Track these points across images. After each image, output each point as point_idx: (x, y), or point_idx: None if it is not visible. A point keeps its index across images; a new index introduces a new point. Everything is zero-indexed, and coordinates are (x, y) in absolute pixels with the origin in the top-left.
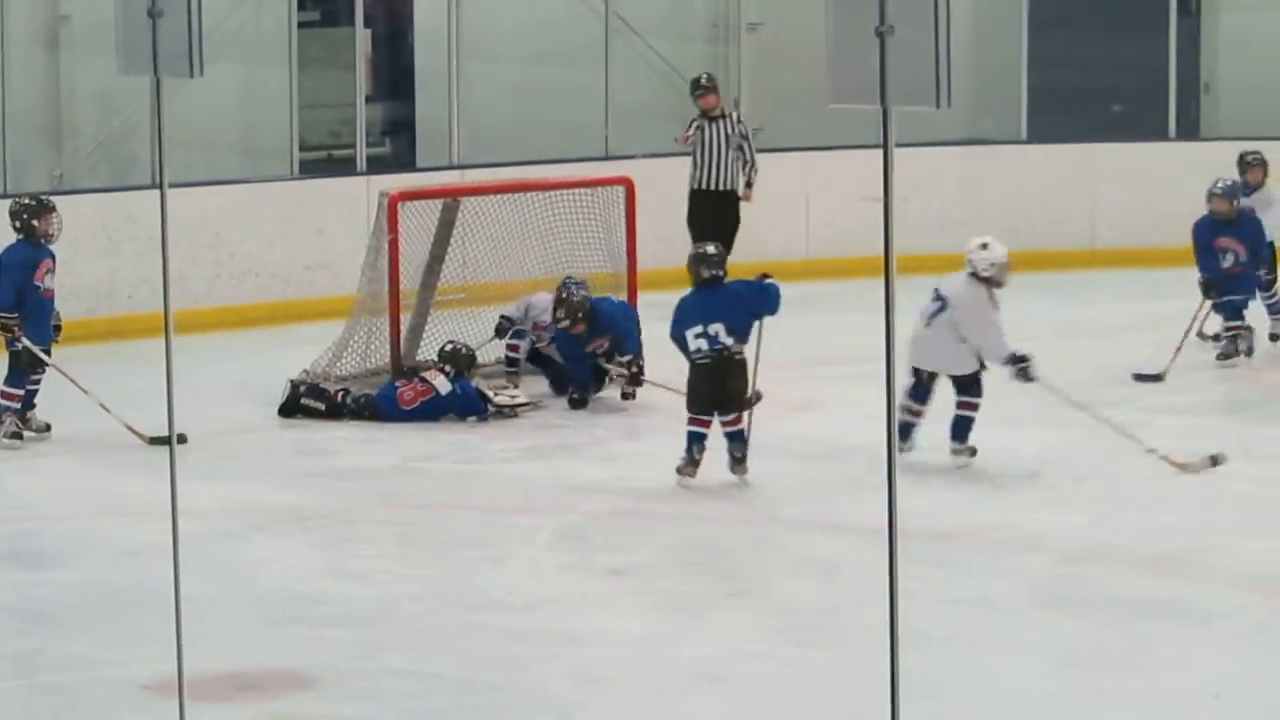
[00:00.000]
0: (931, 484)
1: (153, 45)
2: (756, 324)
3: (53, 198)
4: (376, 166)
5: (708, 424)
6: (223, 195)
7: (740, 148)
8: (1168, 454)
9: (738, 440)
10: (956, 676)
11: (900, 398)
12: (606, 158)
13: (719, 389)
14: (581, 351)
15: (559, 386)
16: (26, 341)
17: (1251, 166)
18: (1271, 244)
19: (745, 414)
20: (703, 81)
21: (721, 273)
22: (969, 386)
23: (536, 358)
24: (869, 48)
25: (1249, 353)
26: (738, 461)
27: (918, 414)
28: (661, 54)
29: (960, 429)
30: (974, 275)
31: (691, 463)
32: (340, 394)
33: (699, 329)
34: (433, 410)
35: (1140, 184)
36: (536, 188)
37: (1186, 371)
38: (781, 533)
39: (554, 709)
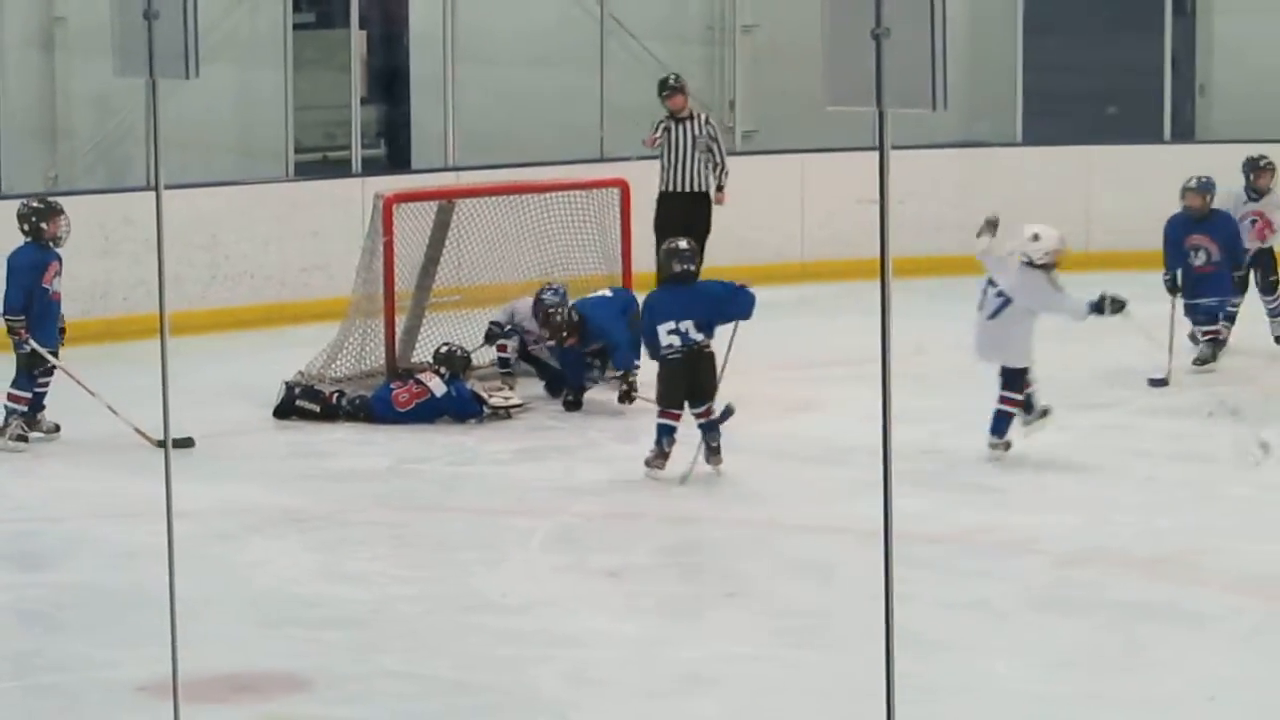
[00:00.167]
0: (927, 486)
1: (148, 47)
2: (729, 327)
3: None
4: (372, 168)
5: (678, 416)
6: (218, 197)
7: (709, 149)
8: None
9: (712, 430)
10: (952, 679)
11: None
12: (601, 160)
13: (690, 382)
14: (581, 354)
15: (554, 389)
16: (35, 344)
17: (1262, 171)
18: (1271, 249)
19: (715, 405)
20: (670, 82)
21: (694, 268)
22: (1014, 381)
23: (528, 357)
24: (865, 50)
25: (1216, 357)
26: (714, 451)
27: (1017, 405)
28: (657, 56)
29: (999, 424)
30: (1030, 264)
31: (661, 454)
32: (335, 396)
33: (671, 325)
34: (428, 412)
35: (1135, 186)
36: (531, 190)
37: (1182, 374)
38: (777, 534)
39: (549, 710)
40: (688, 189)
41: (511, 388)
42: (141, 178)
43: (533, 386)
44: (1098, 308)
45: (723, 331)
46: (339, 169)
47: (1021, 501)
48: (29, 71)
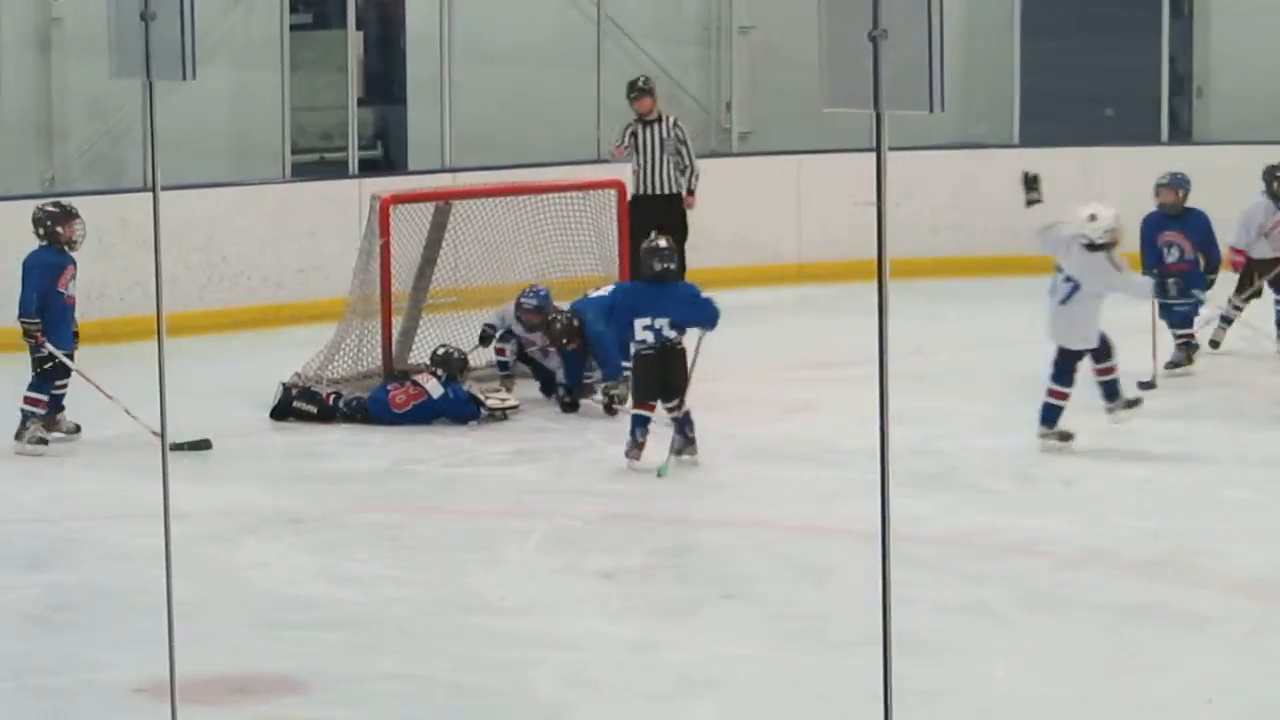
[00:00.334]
0: (925, 488)
1: (145, 48)
2: (696, 334)
3: (44, 200)
4: (368, 169)
5: (652, 408)
6: (215, 198)
7: (678, 151)
8: None
9: (686, 423)
10: (949, 682)
11: (1045, 382)
12: (598, 161)
13: (663, 378)
14: (582, 356)
15: (548, 390)
16: (51, 347)
17: None
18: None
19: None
20: (639, 84)
21: (673, 266)
22: (1102, 354)
23: (525, 359)
24: (862, 52)
25: (1190, 360)
26: (690, 442)
27: (1063, 397)
28: (653, 57)
29: (1109, 391)
30: (1090, 245)
31: (636, 445)
32: (332, 397)
33: (647, 321)
34: (424, 413)
35: (1133, 188)
36: (528, 191)
37: (1181, 376)
38: (774, 536)
39: (545, 712)
40: (658, 191)
41: (509, 390)
42: (138, 179)
43: (530, 388)
44: (1162, 289)
45: (691, 334)
46: (336, 170)
47: (1019, 504)
48: (25, 72)
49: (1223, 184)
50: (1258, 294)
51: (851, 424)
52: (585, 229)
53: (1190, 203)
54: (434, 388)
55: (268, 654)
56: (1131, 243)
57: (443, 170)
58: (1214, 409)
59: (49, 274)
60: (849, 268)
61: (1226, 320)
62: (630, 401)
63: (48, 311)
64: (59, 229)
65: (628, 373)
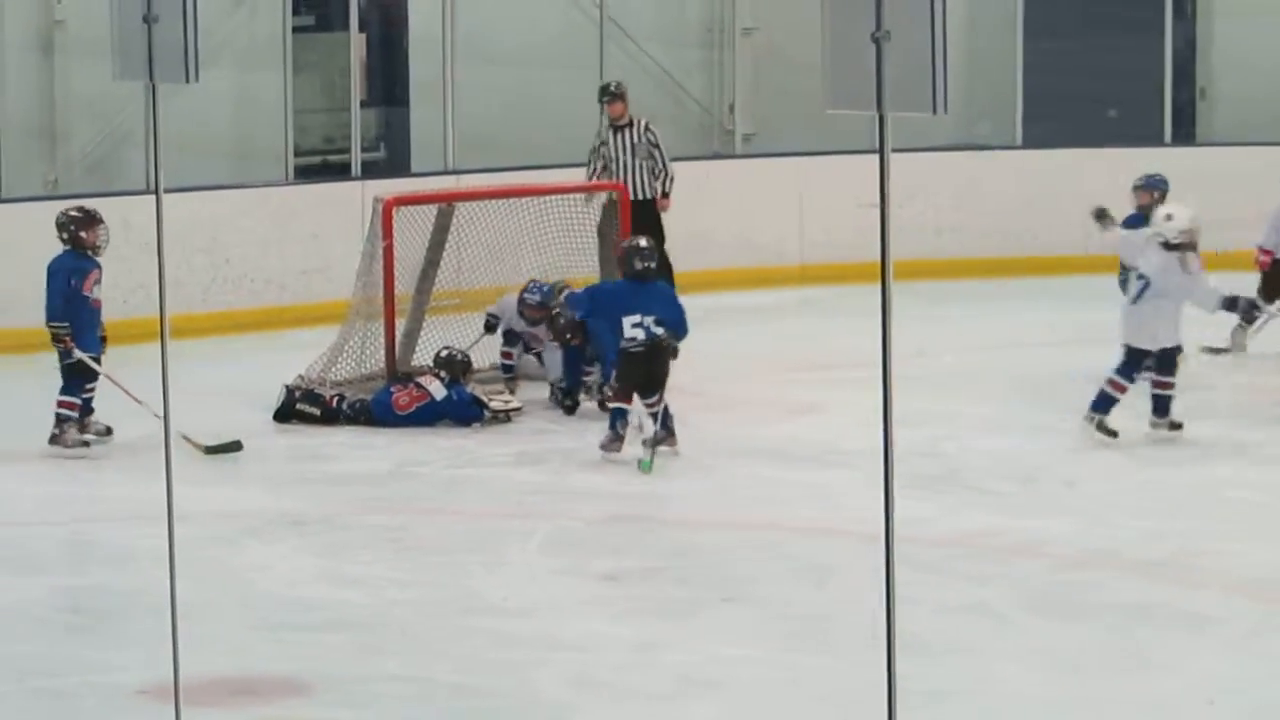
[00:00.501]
0: (928, 490)
1: (148, 51)
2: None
3: (47, 203)
4: (371, 171)
5: (631, 401)
6: (218, 200)
7: (650, 155)
8: None
9: (666, 415)
10: (953, 683)
11: (1107, 372)
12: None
13: (648, 374)
14: (580, 352)
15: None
16: (80, 353)
17: None
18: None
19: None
20: (612, 89)
21: (654, 265)
22: (1167, 365)
23: (528, 349)
24: (865, 53)
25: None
26: (670, 433)
27: (1122, 390)
28: (656, 59)
29: (1160, 406)
30: (1166, 245)
31: (616, 438)
32: (335, 399)
33: (636, 318)
34: (428, 415)
35: None
36: (531, 193)
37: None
38: (777, 537)
39: (548, 713)
40: (632, 197)
41: (512, 392)
42: (141, 181)
43: (532, 390)
44: (1231, 304)
45: None
46: (339, 172)
47: (1022, 505)
48: (29, 75)
49: (1226, 185)
50: None
51: (854, 425)
52: (588, 231)
53: (1197, 203)
54: (437, 390)
55: (271, 655)
56: (1207, 243)
57: (445, 172)
58: (1215, 409)
59: (73, 278)
60: (851, 269)
61: (1249, 321)
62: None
63: (75, 316)
64: (82, 233)
65: None
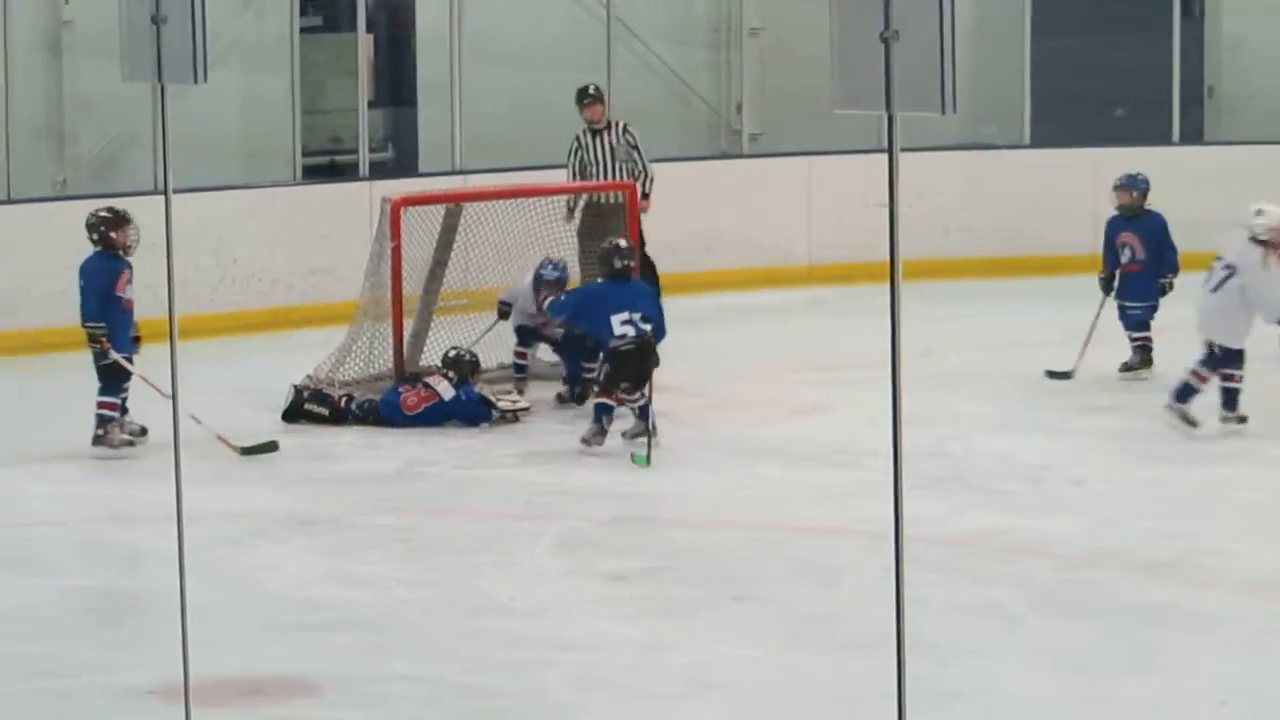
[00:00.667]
0: (936, 489)
1: (157, 52)
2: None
3: (55, 204)
4: (379, 172)
5: (616, 397)
6: (226, 201)
7: (630, 157)
8: None
9: (647, 409)
10: (961, 683)
11: (1190, 363)
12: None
13: (636, 371)
14: (582, 341)
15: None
16: (116, 355)
17: None
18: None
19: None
20: (591, 91)
21: (632, 263)
22: (1234, 359)
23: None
24: (874, 53)
25: (1147, 364)
26: (652, 427)
27: (1204, 381)
28: (664, 59)
29: (1229, 399)
30: (1254, 239)
31: (601, 432)
32: (344, 399)
33: (625, 315)
34: (436, 415)
35: None
36: (539, 193)
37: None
38: (785, 537)
39: (556, 713)
40: (611, 200)
41: (521, 392)
42: (148, 182)
43: (541, 390)
44: None
45: None
46: (346, 173)
47: (1030, 504)
48: (36, 75)
49: (1234, 184)
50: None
51: (862, 425)
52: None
53: (1203, 204)
54: (445, 390)
55: (279, 656)
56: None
57: (453, 172)
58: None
59: (106, 279)
60: (859, 269)
61: None
62: (598, 389)
63: (109, 317)
64: (113, 234)
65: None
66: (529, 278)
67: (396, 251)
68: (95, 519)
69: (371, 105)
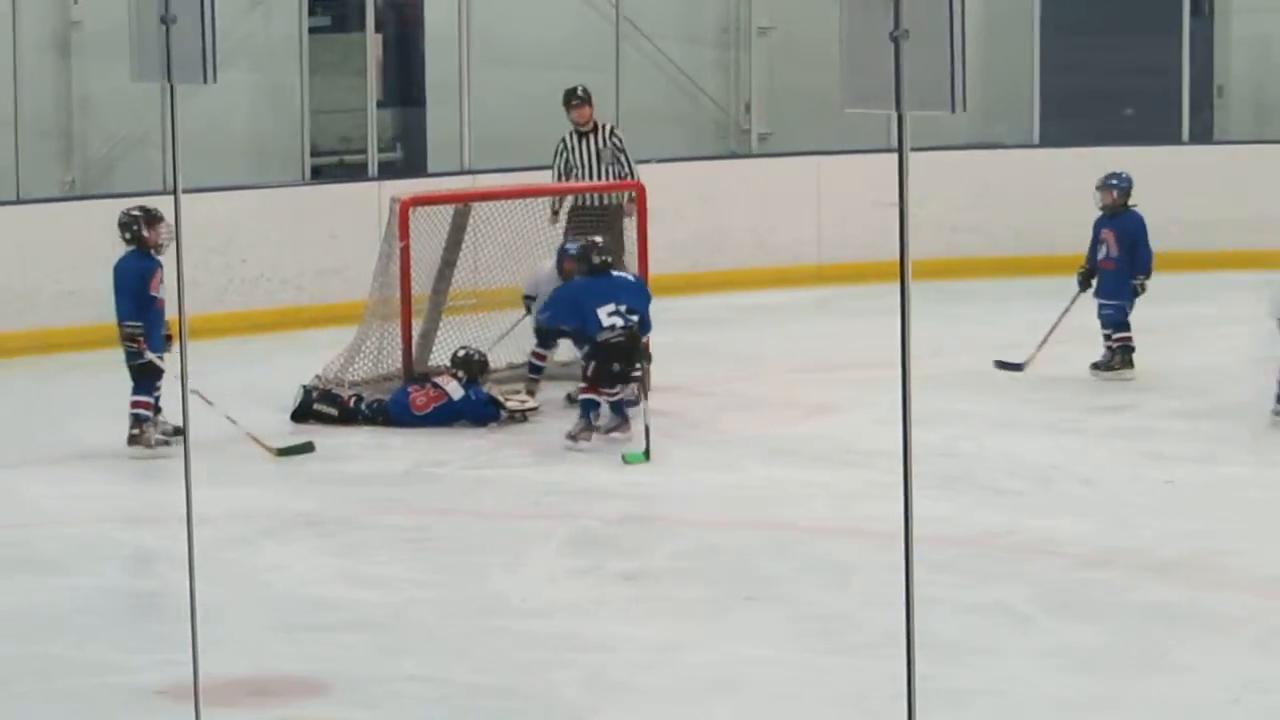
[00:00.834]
0: (946, 489)
1: (166, 52)
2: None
3: (64, 204)
4: (388, 172)
5: (602, 393)
6: (234, 201)
7: (616, 159)
8: None
9: (622, 403)
10: (973, 682)
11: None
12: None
13: (625, 364)
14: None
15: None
16: (151, 355)
17: None
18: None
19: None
20: (579, 93)
21: (610, 259)
22: None
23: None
24: (883, 52)
25: (1128, 365)
26: (625, 420)
27: None
28: (672, 58)
29: None
30: None
31: (589, 428)
32: (353, 399)
33: (611, 307)
34: (445, 416)
35: (1152, 188)
36: (547, 193)
37: (1200, 374)
38: (795, 537)
39: (567, 714)
40: (597, 203)
41: (532, 393)
42: (158, 182)
43: (551, 391)
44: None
45: None
46: (355, 173)
47: (1040, 504)
48: (45, 76)
49: (1243, 183)
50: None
51: (871, 425)
52: (603, 230)
53: (1216, 202)
54: (454, 390)
55: (289, 656)
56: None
57: (462, 172)
58: (1236, 408)
59: (140, 279)
60: (868, 269)
61: None
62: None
63: (143, 316)
64: (145, 233)
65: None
66: (549, 263)
67: (405, 251)
68: (104, 519)
69: (380, 105)
